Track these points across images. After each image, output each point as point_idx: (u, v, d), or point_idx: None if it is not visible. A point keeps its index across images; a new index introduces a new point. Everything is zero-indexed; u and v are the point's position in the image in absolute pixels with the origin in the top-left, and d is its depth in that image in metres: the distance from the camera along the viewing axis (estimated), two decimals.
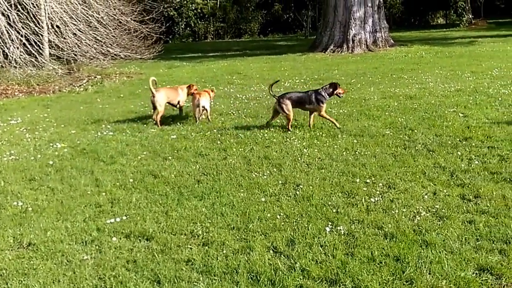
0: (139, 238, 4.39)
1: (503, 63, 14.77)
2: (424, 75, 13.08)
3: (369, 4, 22.92)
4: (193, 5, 40.79)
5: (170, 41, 38.34)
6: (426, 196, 4.87)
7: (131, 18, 17.77)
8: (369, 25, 22.93)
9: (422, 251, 3.82)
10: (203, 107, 8.68)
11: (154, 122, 8.90)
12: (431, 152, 6.25)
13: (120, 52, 17.02)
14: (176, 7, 39.19)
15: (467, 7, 44.39)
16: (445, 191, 4.97)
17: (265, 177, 5.77)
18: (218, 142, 7.45)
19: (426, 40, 25.84)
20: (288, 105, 7.81)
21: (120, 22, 17.49)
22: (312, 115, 8.04)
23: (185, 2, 39.79)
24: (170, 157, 6.77)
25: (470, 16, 44.05)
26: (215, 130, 8.16)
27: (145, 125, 8.88)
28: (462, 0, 44.68)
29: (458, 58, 17.37)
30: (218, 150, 7.04)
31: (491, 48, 20.15)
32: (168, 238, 4.34)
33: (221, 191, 5.38)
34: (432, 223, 4.28)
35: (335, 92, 7.90)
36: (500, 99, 9.17)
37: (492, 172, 5.42)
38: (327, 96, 7.86)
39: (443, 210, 4.51)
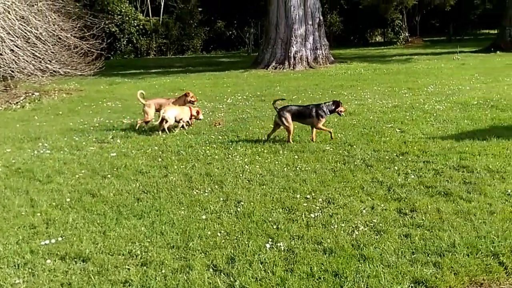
0: (75, 259, 4.21)
1: (438, 80, 15.46)
2: (363, 92, 13.49)
3: (310, 22, 23.49)
4: (135, 21, 40.37)
5: (111, 57, 37.69)
6: (364, 211, 4.95)
7: (71, 34, 17.27)
8: (310, 43, 23.48)
9: (360, 265, 3.85)
10: (164, 118, 8.87)
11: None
12: (369, 167, 6.39)
13: (59, 68, 16.47)
14: (118, 23, 38.63)
15: (403, 26, 46.40)
16: (382, 205, 5.07)
17: (206, 194, 5.70)
18: (159, 159, 7.31)
19: (365, 58, 26.77)
20: (288, 118, 7.86)
21: (60, 38, 16.96)
22: (314, 129, 8.07)
23: (127, 18, 39.32)
24: (109, 175, 6.56)
25: (407, 34, 46.07)
26: (156, 147, 8.02)
27: (84, 143, 8.59)
28: (399, 19, 46.67)
29: (396, 75, 18.04)
30: (159, 167, 6.90)
31: (427, 66, 21.08)
32: (105, 259, 4.18)
33: (161, 209, 5.26)
34: (370, 237, 4.34)
35: (337, 109, 8.01)
36: (435, 114, 9.54)
37: (427, 186, 5.59)
38: (328, 112, 7.98)
39: (380, 224, 4.59)
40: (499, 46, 28.56)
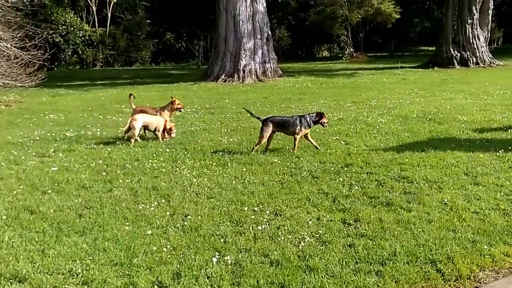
0: (11, 280, 4.02)
1: (380, 94, 15.99)
2: (310, 105, 13.77)
3: (258, 36, 23.81)
4: (81, 32, 39.50)
5: (55, 68, 36.66)
6: (310, 222, 5.03)
7: (11, 44, 16.66)
8: (259, 56, 23.78)
9: (306, 276, 3.91)
10: (130, 126, 9.02)
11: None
12: (315, 179, 6.51)
13: None
14: (62, 34, 37.68)
15: (348, 42, 47.76)
16: (328, 216, 5.17)
17: (152, 208, 5.61)
18: (104, 173, 7.14)
19: (312, 72, 27.34)
20: (268, 129, 7.95)
21: None
22: (312, 140, 8.22)
23: (72, 28, 38.39)
24: (49, 191, 6.33)
25: (352, 49, 47.42)
26: (100, 161, 7.83)
27: (23, 157, 8.27)
28: (344, 35, 48.06)
29: (341, 88, 18.52)
30: (103, 181, 6.73)
31: (370, 80, 21.79)
32: (43, 278, 4.01)
33: (105, 225, 5.12)
34: (315, 248, 4.41)
35: (320, 121, 8.10)
36: (377, 127, 9.86)
37: (370, 196, 5.76)
38: (312, 124, 8.05)
39: (325, 235, 4.68)
40: (436, 62, 30.03)
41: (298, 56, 50.82)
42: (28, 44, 17.55)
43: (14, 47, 16.82)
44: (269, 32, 24.92)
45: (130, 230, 4.99)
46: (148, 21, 44.94)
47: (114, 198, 6.02)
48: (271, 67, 24.29)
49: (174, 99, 9.93)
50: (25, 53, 17.07)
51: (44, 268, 4.20)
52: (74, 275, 4.08)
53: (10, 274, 4.10)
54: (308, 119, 8.04)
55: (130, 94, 10.35)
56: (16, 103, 16.44)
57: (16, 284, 3.98)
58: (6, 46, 16.49)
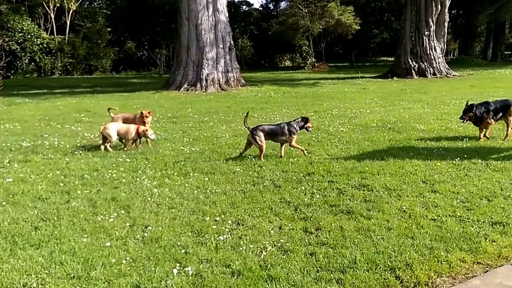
0: None
1: (342, 103, 16.24)
2: (273, 114, 13.85)
3: (221, 46, 23.85)
4: (38, 39, 38.60)
5: (11, 76, 35.63)
6: (272, 231, 5.02)
7: None
8: (222, 66, 23.81)
9: (267, 286, 3.90)
10: (105, 135, 9.05)
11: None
12: (278, 188, 6.53)
13: None
14: (19, 41, 36.73)
15: (310, 51, 48.46)
16: (289, 225, 5.18)
17: (111, 220, 5.48)
18: (61, 184, 6.94)
19: (275, 81, 27.53)
20: (261, 137, 8.04)
21: None
22: (283, 146, 8.31)
23: (29, 36, 37.48)
24: (3, 203, 6.11)
25: (314, 59, 48.13)
26: (58, 172, 7.63)
27: None
28: (306, 45, 48.73)
29: (303, 98, 18.72)
30: (61, 193, 6.55)
31: (331, 89, 22.13)
32: None
33: (62, 237, 4.97)
34: (277, 258, 4.40)
35: (305, 125, 8.28)
36: (338, 136, 9.99)
37: (331, 204, 5.80)
38: (298, 129, 8.23)
39: (287, 244, 4.68)
40: (395, 72, 30.85)
41: (261, 65, 51.25)
42: None
43: None
44: (232, 42, 25.00)
45: (88, 242, 4.87)
46: (108, 29, 44.36)
47: (72, 209, 5.85)
48: (233, 76, 24.34)
49: (143, 113, 9.83)
50: None
51: None
52: None
53: None
54: (295, 126, 8.23)
55: (109, 108, 10.24)
56: None
57: None
58: None
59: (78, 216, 5.62)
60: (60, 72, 40.71)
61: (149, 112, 9.88)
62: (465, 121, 9.32)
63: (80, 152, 9.07)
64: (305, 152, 8.38)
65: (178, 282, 4.00)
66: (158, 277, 4.09)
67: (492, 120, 9.19)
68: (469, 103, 9.25)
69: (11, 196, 6.42)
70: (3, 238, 4.99)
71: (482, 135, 9.29)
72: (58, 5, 41.40)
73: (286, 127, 8.18)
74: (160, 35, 44.27)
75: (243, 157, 8.29)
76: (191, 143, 9.67)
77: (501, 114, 9.24)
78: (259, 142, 8.07)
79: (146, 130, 9.14)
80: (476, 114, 9.10)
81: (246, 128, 8.26)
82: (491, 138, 9.36)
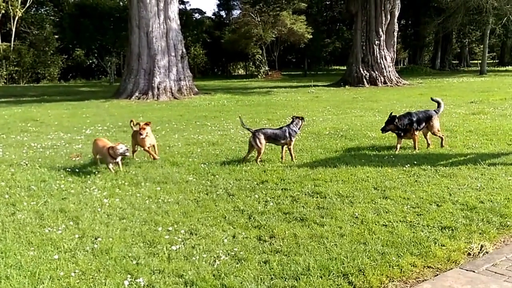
0: None
1: (295, 111, 16.39)
2: (226, 122, 13.82)
3: (173, 54, 23.67)
4: None
5: None
6: (226, 240, 4.98)
7: None
8: (174, 74, 23.62)
9: None
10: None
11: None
12: (231, 196, 6.48)
13: None
14: None
15: (263, 60, 48.87)
16: (243, 233, 5.15)
17: (59, 231, 5.29)
18: (6, 196, 6.65)
19: (228, 89, 27.54)
20: (261, 139, 8.19)
21: None
22: (284, 149, 8.52)
23: None
24: None
25: (267, 68, 48.54)
26: (2, 183, 7.31)
27: None
28: (259, 53, 49.08)
29: (257, 106, 18.81)
30: (6, 205, 6.27)
31: (285, 98, 22.33)
32: None
33: (7, 251, 4.76)
34: (231, 266, 4.36)
35: (303, 123, 8.61)
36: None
37: (285, 212, 5.80)
38: (298, 131, 8.43)
39: (241, 253, 4.64)
40: (347, 81, 31.53)
41: (214, 73, 51.24)
42: None
43: None
44: (184, 50, 24.87)
45: (35, 255, 4.68)
46: (56, 36, 43.21)
47: (18, 222, 5.62)
48: (186, 85, 24.19)
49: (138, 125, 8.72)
50: None
51: None
52: None
53: None
54: (295, 129, 8.40)
55: (131, 120, 9.10)
56: None
57: None
58: None
59: (24, 228, 5.40)
60: (5, 81, 39.29)
61: (146, 124, 8.62)
62: (384, 132, 9.32)
63: (26, 162, 8.73)
64: (294, 159, 8.46)
65: None
66: None
67: (417, 132, 9.15)
68: (392, 114, 9.25)
69: None
70: None
71: (399, 146, 9.17)
72: (3, 11, 40.01)
73: (287, 130, 8.34)
74: (110, 43, 43.44)
75: (247, 160, 8.36)
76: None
77: (424, 124, 9.22)
78: (259, 145, 8.19)
79: (114, 147, 7.89)
80: (399, 126, 9.05)
81: (247, 130, 8.54)
82: (402, 148, 9.27)
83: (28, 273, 4.29)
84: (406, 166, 7.85)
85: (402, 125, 9.04)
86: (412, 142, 9.29)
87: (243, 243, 4.89)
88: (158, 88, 22.94)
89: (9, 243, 4.97)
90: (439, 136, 9.45)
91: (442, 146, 9.33)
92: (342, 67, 57.96)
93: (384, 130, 9.28)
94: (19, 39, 42.06)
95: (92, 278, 4.20)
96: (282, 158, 8.54)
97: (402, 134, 9.16)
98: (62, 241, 5.00)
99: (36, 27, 42.97)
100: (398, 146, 9.18)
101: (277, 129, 8.61)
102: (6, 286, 4.07)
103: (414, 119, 9.10)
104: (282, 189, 6.76)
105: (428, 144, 9.41)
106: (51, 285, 4.08)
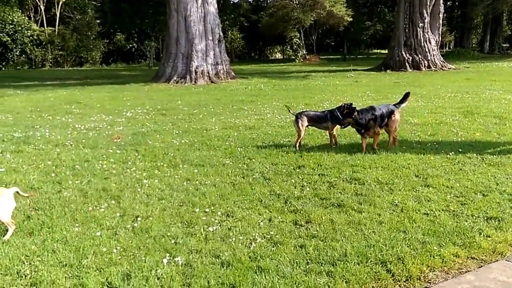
0: None
1: (333, 96, 16.21)
2: (263, 107, 13.80)
3: (210, 38, 23.72)
4: (29, 31, 38.20)
5: (3, 68, 35.29)
6: (262, 223, 5.01)
7: None
8: (211, 58, 23.68)
9: (257, 277, 3.89)
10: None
11: None
12: (267, 180, 6.50)
13: None
14: (10, 33, 36.31)
15: (301, 44, 48.28)
16: (279, 217, 5.17)
17: (102, 210, 5.46)
18: (53, 174, 6.90)
19: (265, 74, 27.41)
20: (303, 122, 8.21)
21: None
22: (330, 133, 8.38)
23: (19, 28, 37.06)
24: None
25: (305, 52, 47.96)
26: (49, 162, 7.58)
27: None
28: (297, 37, 48.51)
29: (294, 91, 18.67)
30: (52, 183, 6.51)
31: (323, 82, 22.07)
32: None
33: (54, 226, 4.97)
34: (266, 249, 4.39)
35: (352, 115, 7.91)
36: None
37: (322, 198, 5.78)
38: (341, 117, 8.04)
39: (277, 236, 4.67)
40: (389, 65, 30.68)
41: (251, 58, 51.07)
42: None
43: None
44: (221, 34, 24.88)
45: (79, 231, 4.86)
46: (98, 21, 43.99)
47: (64, 199, 5.84)
48: (223, 69, 24.24)
49: None
50: None
51: None
52: (22, 277, 3.98)
53: None
54: (336, 114, 8.12)
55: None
56: None
57: None
58: None
59: (70, 205, 5.60)
60: (50, 64, 40.39)
61: None
62: (343, 127, 8.31)
63: (71, 143, 9.01)
64: (333, 146, 8.35)
65: (168, 272, 3.98)
66: (149, 266, 4.08)
67: (379, 129, 8.06)
68: (350, 104, 8.06)
69: (3, 186, 6.33)
70: None
71: (365, 145, 8.05)
72: None
73: (328, 114, 8.21)
74: (149, 27, 43.92)
75: (300, 146, 8.29)
76: (181, 135, 9.62)
77: (386, 120, 8.13)
78: (300, 127, 8.19)
79: None
80: (359, 122, 7.90)
81: (291, 114, 8.56)
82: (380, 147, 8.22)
83: (73, 248, 4.47)
84: (450, 153, 7.63)
85: (365, 120, 7.90)
86: (367, 139, 8.21)
87: (279, 227, 4.91)
88: (196, 72, 23.08)
89: (56, 219, 5.17)
90: (394, 136, 8.34)
91: (389, 145, 8.23)
92: (383, 51, 56.75)
93: (341, 124, 8.16)
94: (63, 24, 43.06)
95: (132, 255, 4.32)
96: (335, 143, 8.41)
97: (362, 131, 8.04)
98: (104, 219, 5.16)
99: (78, 12, 43.83)
100: (364, 144, 8.07)
101: (320, 112, 8.55)
102: (53, 259, 4.25)
103: (378, 114, 7.99)
104: (319, 175, 6.72)
105: (390, 143, 8.31)
106: (94, 260, 4.23)
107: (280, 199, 5.76)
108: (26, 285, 3.84)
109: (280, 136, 9.30)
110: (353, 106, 8.02)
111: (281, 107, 13.77)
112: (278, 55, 55.66)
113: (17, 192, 5.02)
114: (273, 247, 4.45)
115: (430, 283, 3.87)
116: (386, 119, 8.15)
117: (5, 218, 4.70)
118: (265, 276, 3.88)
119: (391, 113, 8.21)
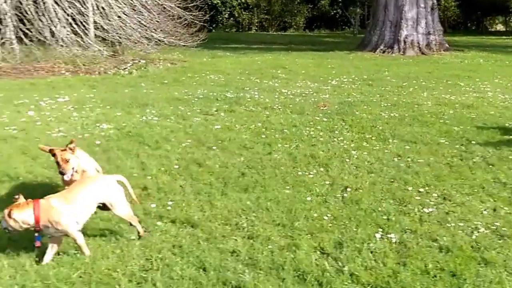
0: (184, 224, 4.36)
1: None
2: (482, 84, 12.43)
3: (422, 5, 22.12)
4: None
5: (213, 30, 38.31)
6: (485, 212, 4.57)
7: (175, 4, 17.63)
8: (422, 27, 22.15)
9: (481, 269, 3.57)
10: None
11: None
12: (490, 166, 5.88)
13: (164, 37, 16.89)
14: None
15: None
16: (506, 208, 4.64)
17: (311, 176, 5.58)
18: (263, 136, 7.27)
19: (484, 47, 24.58)
20: None
21: (164, 8, 17.36)
22: None
23: None
24: (214, 147, 6.65)
25: None
26: (259, 124, 8.00)
27: (189, 113, 8.79)
28: None
29: None
30: (263, 144, 6.86)
31: None
32: (213, 227, 4.28)
33: (266, 186, 5.24)
34: (491, 241, 3.99)
35: None
36: None
37: None
38: None
39: (504, 229, 4.21)
40: None
41: (467, 28, 46.62)
42: (190, 5, 18.48)
43: (178, 7, 17.82)
44: (434, 1, 23.08)
45: (290, 193, 5.05)
46: None
47: (274, 161, 6.11)
48: (435, 39, 22.53)
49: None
50: (187, 13, 18.00)
51: (213, 218, 4.48)
52: (240, 229, 4.28)
53: (183, 219, 4.44)
54: None
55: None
56: (180, 61, 17.46)
57: (189, 228, 4.29)
58: (171, 6, 17.52)
59: (280, 168, 5.84)
60: (256, 28, 42.55)
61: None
62: None
63: (279, 107, 9.37)
64: None
65: (381, 247, 3.89)
66: (361, 238, 4.05)
67: None
68: None
69: (220, 141, 6.95)
70: (215, 179, 5.47)
71: None
72: None
73: None
74: None
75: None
76: (389, 108, 9.28)
77: None
78: None
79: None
80: None
81: None
82: None
83: (285, 209, 4.65)
84: None
85: None
86: None
87: (506, 219, 4.42)
88: (405, 42, 21.93)
89: (267, 179, 5.46)
90: None
91: None
92: None
93: None
94: None
95: (343, 224, 4.33)
96: None
97: None
98: (313, 185, 5.26)
99: None
100: None
101: None
102: (267, 217, 4.48)
103: None
104: None
105: None
106: (306, 223, 4.35)
107: (507, 188, 5.16)
108: (243, 237, 4.11)
109: (504, 118, 8.32)
110: None
111: (506, 85, 12.30)
112: (500, 27, 49.83)
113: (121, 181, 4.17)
114: (499, 239, 4.03)
115: None
116: None
117: (125, 212, 4.01)
118: (491, 270, 3.54)
119: None
